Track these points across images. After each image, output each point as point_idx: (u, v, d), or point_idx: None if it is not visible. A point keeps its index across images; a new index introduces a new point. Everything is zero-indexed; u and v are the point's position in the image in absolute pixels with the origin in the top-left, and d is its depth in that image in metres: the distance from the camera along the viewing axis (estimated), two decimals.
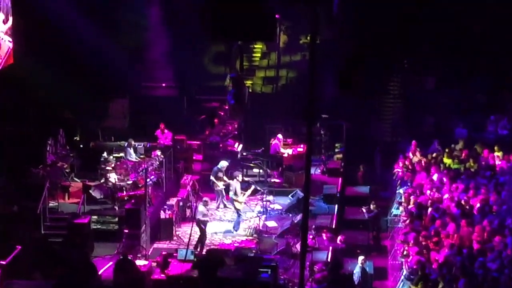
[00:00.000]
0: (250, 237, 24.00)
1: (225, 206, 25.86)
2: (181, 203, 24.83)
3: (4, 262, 19.84)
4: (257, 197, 26.08)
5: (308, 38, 29.97)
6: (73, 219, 22.72)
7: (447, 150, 27.16)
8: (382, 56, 29.25)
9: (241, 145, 28.71)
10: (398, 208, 24.67)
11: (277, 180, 27.47)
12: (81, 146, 28.25)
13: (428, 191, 23.98)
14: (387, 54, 29.81)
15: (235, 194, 24.35)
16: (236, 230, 24.32)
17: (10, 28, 25.37)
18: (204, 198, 23.50)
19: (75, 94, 28.00)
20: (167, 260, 20.45)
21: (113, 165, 25.30)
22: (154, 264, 20.82)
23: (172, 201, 24.61)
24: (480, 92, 31.15)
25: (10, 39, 25.40)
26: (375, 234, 23.94)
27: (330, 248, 21.71)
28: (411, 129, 30.60)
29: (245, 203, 24.86)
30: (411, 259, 20.08)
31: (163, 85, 32.60)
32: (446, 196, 23.46)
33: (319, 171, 28.37)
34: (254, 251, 21.96)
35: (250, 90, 31.09)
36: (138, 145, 27.51)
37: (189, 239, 22.28)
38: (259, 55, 35.17)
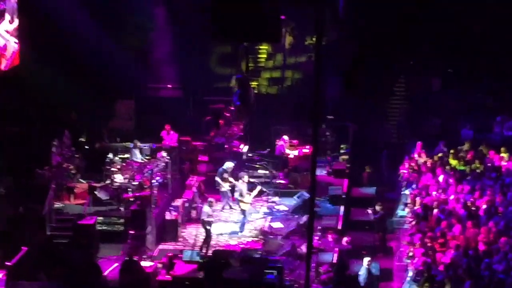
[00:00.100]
0: (256, 239, 23.98)
1: (230, 207, 25.85)
2: (186, 204, 24.84)
3: (10, 264, 19.88)
4: (263, 198, 26.08)
5: (314, 39, 29.95)
6: (78, 220, 22.72)
7: (453, 151, 27.05)
8: (387, 57, 29.20)
9: (246, 146, 28.66)
10: (404, 210, 24.65)
11: (282, 181, 27.40)
12: (87, 147, 28.19)
13: (434, 192, 23.92)
14: (392, 55, 29.76)
15: (241, 195, 24.34)
16: (241, 232, 24.31)
17: (15, 29, 25.31)
18: (210, 199, 23.54)
19: (81, 95, 28.03)
20: (173, 261, 20.47)
21: (118, 166, 25.31)
22: (159, 265, 20.84)
23: (178, 202, 24.59)
24: (486, 93, 31.07)
25: (16, 40, 25.35)
26: (381, 236, 23.90)
27: (336, 249, 21.68)
28: (416, 130, 30.50)
29: (250, 204, 24.85)
30: (417, 260, 20.05)
31: (169, 86, 32.62)
32: (452, 197, 23.38)
33: (324, 172, 28.34)
34: (259, 252, 21.95)
35: (256, 91, 31.01)
36: (143, 146, 27.48)
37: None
38: (264, 56, 35.08)
